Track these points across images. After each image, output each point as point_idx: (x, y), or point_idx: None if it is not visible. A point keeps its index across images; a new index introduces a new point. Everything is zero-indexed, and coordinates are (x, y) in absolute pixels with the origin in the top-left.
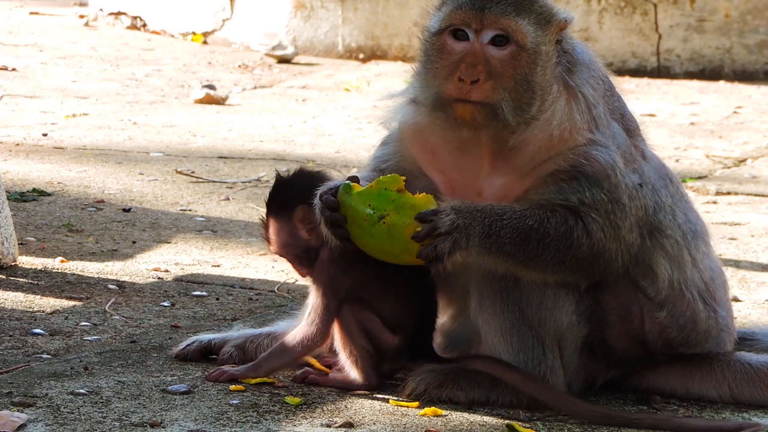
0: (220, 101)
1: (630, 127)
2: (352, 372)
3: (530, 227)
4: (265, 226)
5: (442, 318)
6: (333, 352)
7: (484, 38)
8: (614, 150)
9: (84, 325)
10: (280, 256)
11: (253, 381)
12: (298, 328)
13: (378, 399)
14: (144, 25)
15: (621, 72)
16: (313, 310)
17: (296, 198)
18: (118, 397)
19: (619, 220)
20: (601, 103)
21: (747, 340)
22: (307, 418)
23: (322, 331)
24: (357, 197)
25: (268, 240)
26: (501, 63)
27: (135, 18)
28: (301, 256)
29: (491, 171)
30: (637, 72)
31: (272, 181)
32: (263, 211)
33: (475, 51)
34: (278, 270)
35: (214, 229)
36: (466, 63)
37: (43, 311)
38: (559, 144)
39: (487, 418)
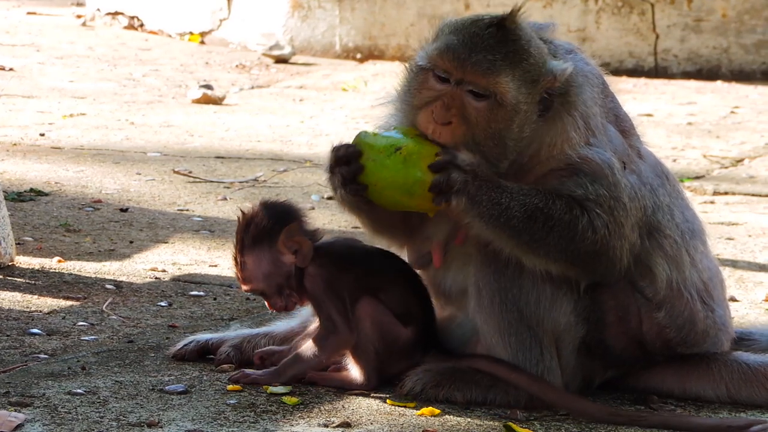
0: (217, 101)
1: (624, 128)
2: (355, 371)
3: (536, 206)
4: (240, 263)
5: (441, 317)
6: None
7: (464, 86)
8: (610, 152)
9: (81, 325)
10: (258, 292)
11: (274, 389)
12: (317, 336)
13: (375, 399)
14: (141, 25)
15: (618, 72)
16: (326, 318)
17: (274, 224)
18: (116, 397)
19: (622, 218)
20: (597, 110)
21: (744, 340)
22: (304, 418)
23: (348, 333)
24: (374, 135)
25: (243, 279)
26: (476, 113)
27: (132, 18)
28: (282, 285)
29: None
30: (635, 72)
31: (274, 181)
32: None
33: (452, 95)
34: None
35: (212, 229)
36: (441, 103)
37: (40, 311)
38: (552, 150)
39: (484, 418)
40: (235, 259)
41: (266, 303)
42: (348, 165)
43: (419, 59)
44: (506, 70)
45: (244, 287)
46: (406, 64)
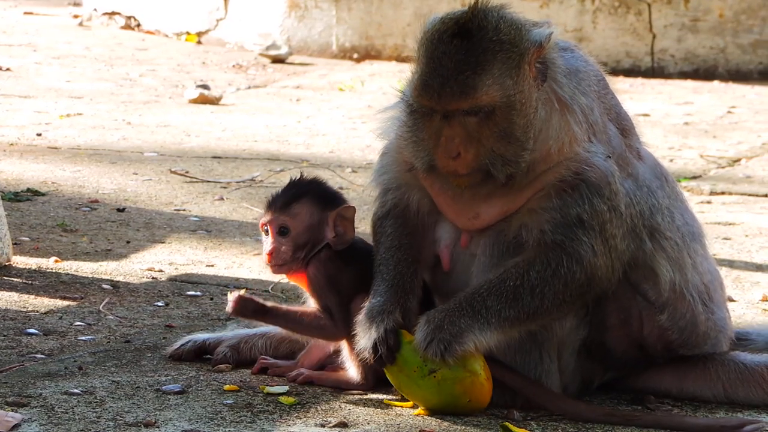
0: (214, 101)
1: (625, 126)
2: (352, 370)
3: (513, 286)
4: (290, 200)
5: None
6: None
7: (453, 114)
8: (610, 157)
9: (78, 325)
10: (284, 228)
11: (271, 389)
12: (312, 323)
13: (372, 399)
14: (138, 25)
15: (615, 72)
16: (324, 308)
17: (337, 197)
18: (113, 397)
19: (615, 229)
20: (596, 105)
21: (741, 340)
22: (301, 418)
23: (343, 327)
24: (408, 347)
25: (285, 209)
26: (477, 128)
27: (129, 18)
28: (306, 245)
29: (489, 194)
30: (632, 72)
31: (271, 181)
32: (258, 210)
33: (449, 126)
34: None
35: (208, 229)
36: (444, 140)
37: (37, 311)
38: (559, 155)
39: (481, 418)
40: (288, 192)
41: (269, 244)
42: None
43: (407, 95)
44: (482, 78)
45: (276, 215)
46: (400, 94)
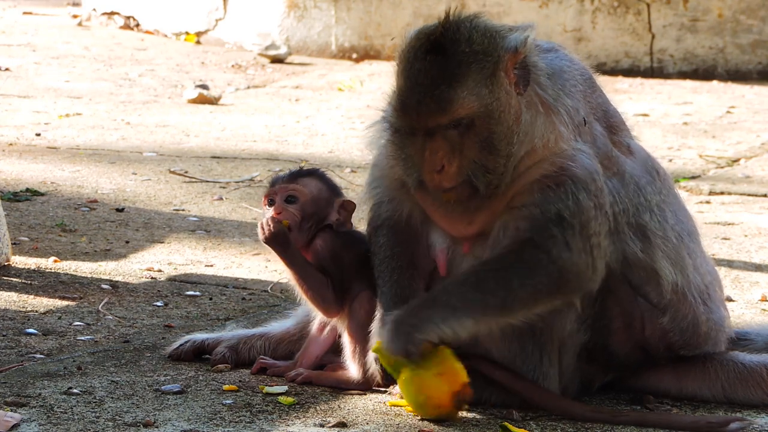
0: (213, 101)
1: (613, 123)
2: (352, 369)
3: (475, 272)
4: (297, 175)
5: None
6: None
7: (433, 130)
8: (594, 157)
9: (77, 325)
10: (291, 197)
11: (270, 389)
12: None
13: (371, 399)
14: (137, 25)
15: (614, 72)
16: (322, 284)
17: (340, 190)
18: (112, 397)
19: (599, 227)
20: (582, 106)
21: (740, 340)
22: (300, 418)
23: (335, 303)
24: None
25: (296, 178)
26: (459, 141)
27: (128, 18)
28: (312, 216)
29: (481, 201)
30: (631, 72)
31: (264, 182)
32: (257, 211)
33: (431, 141)
34: (271, 270)
35: (207, 229)
36: (428, 152)
37: (36, 311)
38: (544, 151)
39: (480, 418)
40: (295, 171)
41: (277, 207)
42: None
43: (389, 115)
44: (457, 91)
45: (284, 185)
46: (383, 113)
